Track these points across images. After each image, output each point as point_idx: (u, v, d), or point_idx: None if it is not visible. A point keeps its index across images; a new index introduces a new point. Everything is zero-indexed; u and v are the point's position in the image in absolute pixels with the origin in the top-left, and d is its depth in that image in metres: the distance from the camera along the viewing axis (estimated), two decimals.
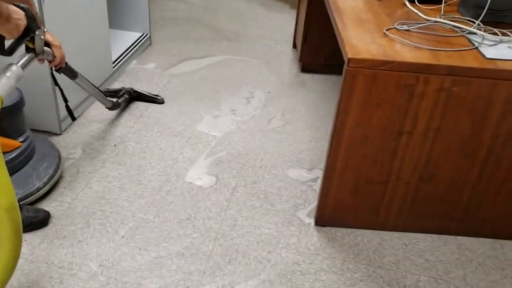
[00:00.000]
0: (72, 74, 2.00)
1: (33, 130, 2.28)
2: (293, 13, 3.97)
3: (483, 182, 1.86)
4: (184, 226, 1.99)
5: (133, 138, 2.49)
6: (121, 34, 3.32)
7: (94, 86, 2.24)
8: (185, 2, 4.21)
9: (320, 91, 3.04)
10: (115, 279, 1.74)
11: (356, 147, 1.80)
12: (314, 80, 3.15)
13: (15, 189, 1.94)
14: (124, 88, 2.72)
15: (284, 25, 3.92)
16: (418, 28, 1.83)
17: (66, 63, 1.88)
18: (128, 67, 3.13)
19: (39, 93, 2.31)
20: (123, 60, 3.06)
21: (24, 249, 1.82)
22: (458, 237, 2.03)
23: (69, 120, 2.52)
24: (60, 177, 2.17)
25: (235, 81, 3.08)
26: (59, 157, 2.18)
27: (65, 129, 2.49)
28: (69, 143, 2.41)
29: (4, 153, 1.97)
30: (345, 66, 1.64)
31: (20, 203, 1.93)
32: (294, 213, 2.10)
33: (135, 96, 2.75)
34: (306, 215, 2.09)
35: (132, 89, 2.74)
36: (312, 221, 2.06)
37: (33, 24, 1.49)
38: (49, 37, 1.67)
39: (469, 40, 1.76)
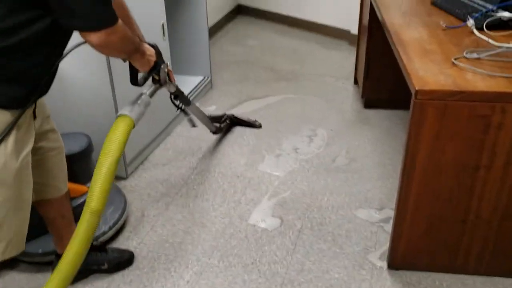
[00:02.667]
0: (186, 101, 2.20)
1: None
2: (352, 50, 3.93)
3: None
4: (249, 271, 1.93)
5: (196, 180, 2.49)
6: (183, 79, 3.40)
7: (203, 112, 2.52)
8: (244, 45, 4.28)
9: (385, 127, 2.94)
10: None
11: (429, 184, 1.69)
12: (378, 116, 3.06)
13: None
14: (226, 114, 2.94)
15: (344, 62, 3.88)
16: (490, 55, 1.73)
17: (182, 93, 2.11)
18: None
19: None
20: None
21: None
22: None
23: (134, 164, 2.56)
24: (126, 221, 2.19)
25: (296, 119, 3.05)
26: (125, 201, 2.21)
27: (131, 173, 2.54)
28: (134, 186, 2.45)
29: (72, 198, 2.02)
30: (412, 99, 1.57)
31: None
32: (365, 256, 1.99)
33: (235, 122, 2.96)
34: (378, 258, 1.98)
35: (233, 115, 2.96)
36: (384, 264, 1.94)
37: (160, 59, 1.70)
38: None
39: None
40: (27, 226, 1.47)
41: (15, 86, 1.28)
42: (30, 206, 1.45)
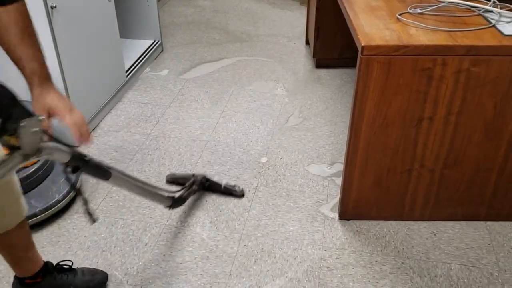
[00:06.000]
0: (102, 173, 1.34)
1: None
2: (303, 10, 3.94)
3: (510, 164, 1.80)
4: (208, 230, 1.97)
5: (151, 145, 2.48)
6: (132, 43, 3.33)
7: (144, 184, 1.57)
8: (194, 6, 4.21)
9: (337, 85, 3.00)
10: (141, 287, 1.73)
11: (376, 137, 1.76)
12: (329, 75, 3.11)
13: (35, 203, 1.96)
14: (194, 176, 2.09)
15: (296, 22, 3.89)
16: (432, 10, 1.78)
17: (89, 160, 1.27)
18: (141, 75, 3.14)
19: None
20: (136, 68, 3.06)
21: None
22: (488, 222, 1.97)
23: None
24: (80, 188, 2.18)
25: (250, 81, 3.06)
26: None
27: None
28: (87, 154, 2.41)
29: (23, 168, 1.98)
30: (359, 55, 1.61)
31: (39, 216, 1.84)
32: (317, 208, 2.07)
33: (207, 187, 2.14)
34: (330, 210, 2.06)
35: (204, 177, 2.12)
36: (336, 215, 2.02)
37: (15, 109, 0.99)
38: (53, 101, 1.11)
39: (486, 19, 1.71)
40: None
41: None
42: None
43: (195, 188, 2.03)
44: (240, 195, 2.13)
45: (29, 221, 1.90)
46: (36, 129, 1.02)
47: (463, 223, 1.97)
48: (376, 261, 1.82)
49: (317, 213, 2.04)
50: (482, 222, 1.97)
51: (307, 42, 3.48)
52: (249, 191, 2.17)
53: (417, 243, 1.89)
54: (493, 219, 1.96)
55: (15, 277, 1.60)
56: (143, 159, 2.38)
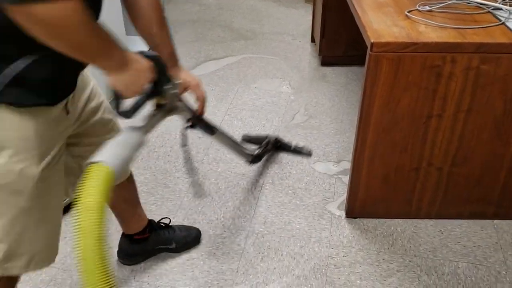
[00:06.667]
0: (209, 129, 1.63)
1: None
2: (309, 8, 3.93)
3: None
4: (214, 227, 1.97)
5: (156, 142, 2.48)
6: (138, 40, 3.32)
7: (233, 140, 1.90)
8: (199, 4, 4.21)
9: (342, 83, 2.99)
10: (148, 283, 1.73)
11: (384, 134, 1.75)
12: (335, 72, 3.11)
13: None
14: (268, 136, 2.33)
15: (301, 20, 3.88)
16: (441, 7, 1.78)
17: (202, 119, 1.54)
18: None
19: None
20: None
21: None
22: (495, 221, 1.96)
23: None
24: None
25: (255, 79, 3.05)
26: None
27: None
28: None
29: None
30: (368, 51, 1.60)
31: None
32: (324, 206, 2.06)
33: (279, 147, 2.39)
34: (337, 207, 2.05)
35: (276, 138, 2.37)
36: (343, 213, 2.02)
37: (163, 76, 1.18)
38: (186, 77, 1.37)
39: (495, 16, 1.70)
40: (58, 236, 1.27)
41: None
42: (61, 213, 1.26)
43: (269, 148, 2.28)
44: (308, 154, 2.35)
45: None
46: (176, 91, 1.27)
47: (470, 221, 1.96)
48: (383, 259, 1.81)
49: (323, 211, 2.04)
50: (489, 220, 1.97)
51: (313, 40, 3.47)
52: (255, 189, 2.16)
53: (424, 241, 1.88)
54: (500, 217, 1.96)
55: (124, 235, 1.76)
56: (149, 156, 2.38)
